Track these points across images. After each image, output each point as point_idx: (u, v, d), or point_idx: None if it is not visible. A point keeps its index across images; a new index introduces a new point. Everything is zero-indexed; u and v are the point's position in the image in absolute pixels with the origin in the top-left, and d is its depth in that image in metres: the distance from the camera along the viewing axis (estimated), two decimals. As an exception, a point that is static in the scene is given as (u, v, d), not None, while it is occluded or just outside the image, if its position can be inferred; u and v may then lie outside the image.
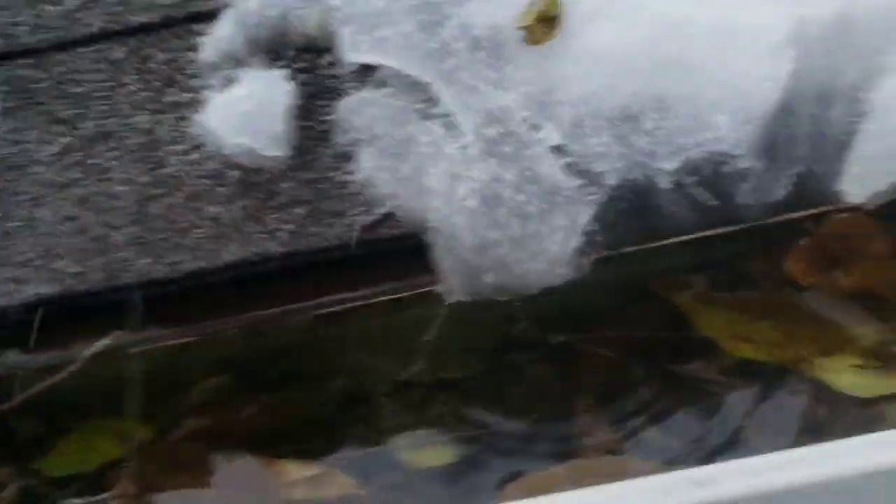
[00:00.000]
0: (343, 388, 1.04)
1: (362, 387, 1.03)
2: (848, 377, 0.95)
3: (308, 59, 1.04)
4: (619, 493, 0.69)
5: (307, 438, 1.00)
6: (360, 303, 0.98)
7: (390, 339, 1.04)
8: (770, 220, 0.95)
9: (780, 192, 0.93)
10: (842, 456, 0.68)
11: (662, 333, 1.02)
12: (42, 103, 1.05)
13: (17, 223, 0.99)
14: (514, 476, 0.94)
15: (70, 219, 0.99)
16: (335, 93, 1.02)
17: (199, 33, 1.06)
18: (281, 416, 1.02)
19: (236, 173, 1.00)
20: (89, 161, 1.02)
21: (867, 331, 0.99)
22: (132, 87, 1.06)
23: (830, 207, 0.96)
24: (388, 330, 1.02)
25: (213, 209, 0.99)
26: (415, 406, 1.01)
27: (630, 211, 0.93)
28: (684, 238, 0.96)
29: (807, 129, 0.93)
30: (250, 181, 1.00)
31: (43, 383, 0.96)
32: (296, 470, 0.96)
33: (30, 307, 0.96)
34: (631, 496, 0.68)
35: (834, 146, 0.93)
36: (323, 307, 0.98)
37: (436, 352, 0.99)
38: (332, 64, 1.03)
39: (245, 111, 0.99)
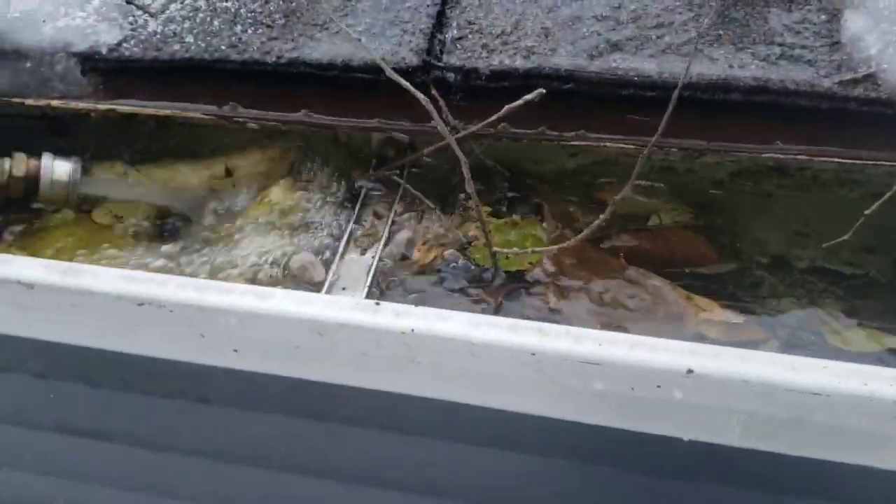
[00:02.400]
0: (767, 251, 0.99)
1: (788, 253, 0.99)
2: None
3: None
4: None
5: (732, 289, 0.95)
6: (801, 157, 0.95)
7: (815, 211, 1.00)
8: None
9: None
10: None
11: None
12: None
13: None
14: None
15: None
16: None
17: None
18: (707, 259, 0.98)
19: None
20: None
21: None
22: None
23: None
24: (813, 198, 0.99)
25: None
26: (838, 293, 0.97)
27: None
28: None
29: None
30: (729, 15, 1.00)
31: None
32: (717, 312, 0.92)
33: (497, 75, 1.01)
34: None
35: None
36: (766, 152, 0.95)
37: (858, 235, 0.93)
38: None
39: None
